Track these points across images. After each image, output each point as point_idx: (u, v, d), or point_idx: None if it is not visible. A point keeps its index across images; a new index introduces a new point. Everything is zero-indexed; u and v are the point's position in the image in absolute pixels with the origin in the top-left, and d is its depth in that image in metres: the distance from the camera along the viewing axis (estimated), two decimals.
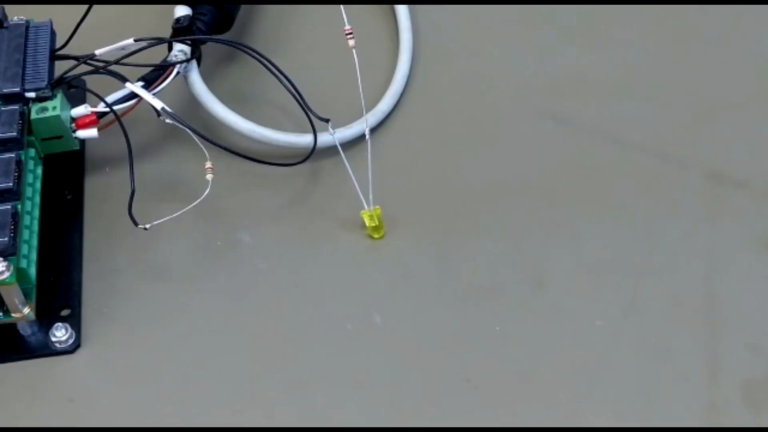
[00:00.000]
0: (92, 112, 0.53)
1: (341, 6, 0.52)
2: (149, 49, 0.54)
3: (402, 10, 0.62)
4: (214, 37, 0.57)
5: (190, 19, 0.57)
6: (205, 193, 0.52)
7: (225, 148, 0.54)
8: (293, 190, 0.56)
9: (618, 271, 0.52)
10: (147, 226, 0.52)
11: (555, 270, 0.53)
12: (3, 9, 0.55)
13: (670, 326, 0.51)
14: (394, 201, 0.55)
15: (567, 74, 0.60)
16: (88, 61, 0.54)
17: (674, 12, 0.62)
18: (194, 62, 0.57)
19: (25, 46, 0.54)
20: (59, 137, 0.53)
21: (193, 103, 0.57)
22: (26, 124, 0.52)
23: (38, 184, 0.52)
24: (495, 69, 0.60)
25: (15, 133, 0.51)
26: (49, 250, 0.53)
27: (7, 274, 0.48)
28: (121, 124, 0.53)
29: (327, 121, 0.54)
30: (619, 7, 0.62)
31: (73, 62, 0.54)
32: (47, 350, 0.51)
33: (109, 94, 0.54)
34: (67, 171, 0.56)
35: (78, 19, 0.55)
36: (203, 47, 0.57)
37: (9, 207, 0.49)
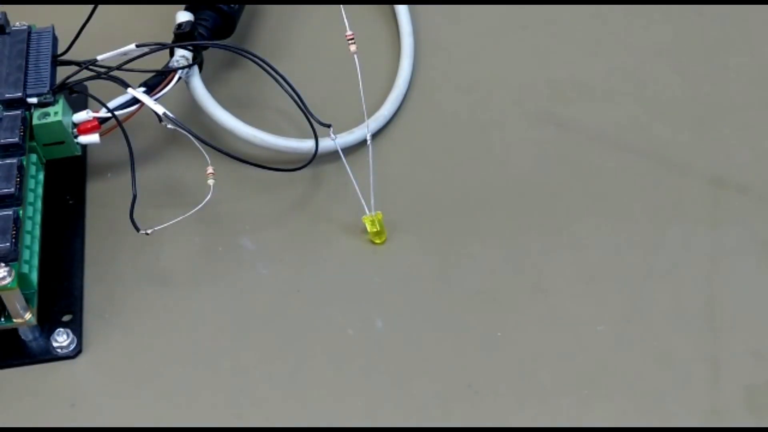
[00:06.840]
0: (94, 118, 0.53)
1: (341, 7, 0.52)
2: (151, 54, 0.54)
3: (403, 13, 0.62)
4: (215, 42, 0.58)
5: (192, 25, 0.57)
6: (207, 198, 0.52)
7: (226, 153, 0.54)
8: (295, 196, 0.56)
9: (619, 276, 0.52)
10: (149, 231, 0.52)
11: (556, 275, 0.52)
12: (5, 15, 0.55)
13: (672, 331, 0.50)
14: (395, 206, 0.55)
15: (568, 78, 0.60)
16: (90, 67, 0.54)
17: (675, 14, 0.62)
18: (196, 68, 0.57)
19: (27, 51, 0.54)
20: (61, 143, 0.53)
21: (195, 108, 0.57)
22: (28, 130, 0.52)
23: (40, 190, 0.52)
24: (496, 73, 0.60)
25: (17, 139, 0.51)
26: (50, 256, 0.53)
27: (8, 279, 0.48)
28: (122, 129, 0.53)
29: (328, 126, 0.54)
30: (620, 9, 0.62)
31: (75, 68, 0.54)
32: (49, 355, 0.51)
33: (110, 99, 0.54)
34: (69, 176, 0.56)
35: (80, 24, 0.55)
36: (205, 52, 0.58)
37: (11, 212, 0.49)
